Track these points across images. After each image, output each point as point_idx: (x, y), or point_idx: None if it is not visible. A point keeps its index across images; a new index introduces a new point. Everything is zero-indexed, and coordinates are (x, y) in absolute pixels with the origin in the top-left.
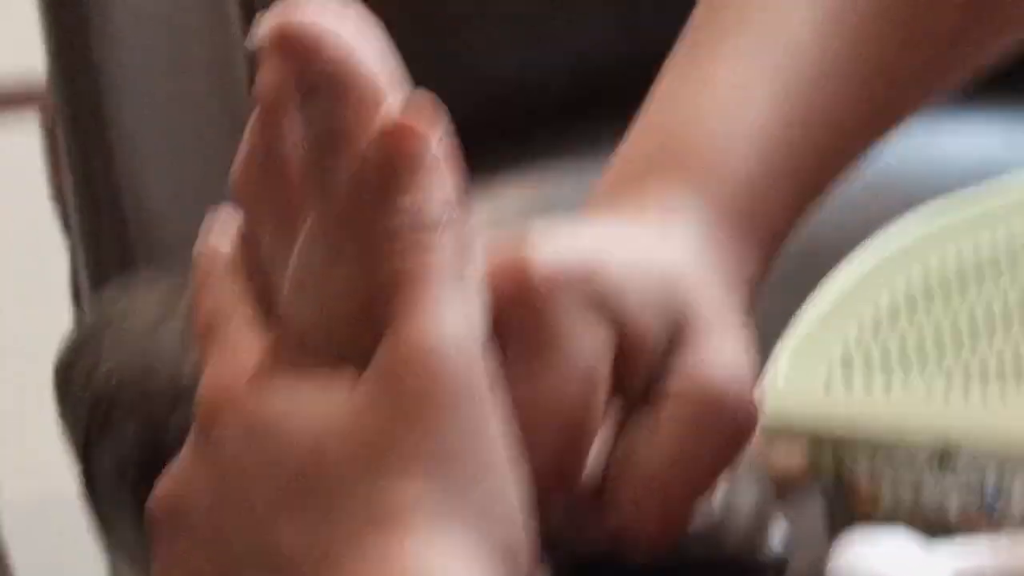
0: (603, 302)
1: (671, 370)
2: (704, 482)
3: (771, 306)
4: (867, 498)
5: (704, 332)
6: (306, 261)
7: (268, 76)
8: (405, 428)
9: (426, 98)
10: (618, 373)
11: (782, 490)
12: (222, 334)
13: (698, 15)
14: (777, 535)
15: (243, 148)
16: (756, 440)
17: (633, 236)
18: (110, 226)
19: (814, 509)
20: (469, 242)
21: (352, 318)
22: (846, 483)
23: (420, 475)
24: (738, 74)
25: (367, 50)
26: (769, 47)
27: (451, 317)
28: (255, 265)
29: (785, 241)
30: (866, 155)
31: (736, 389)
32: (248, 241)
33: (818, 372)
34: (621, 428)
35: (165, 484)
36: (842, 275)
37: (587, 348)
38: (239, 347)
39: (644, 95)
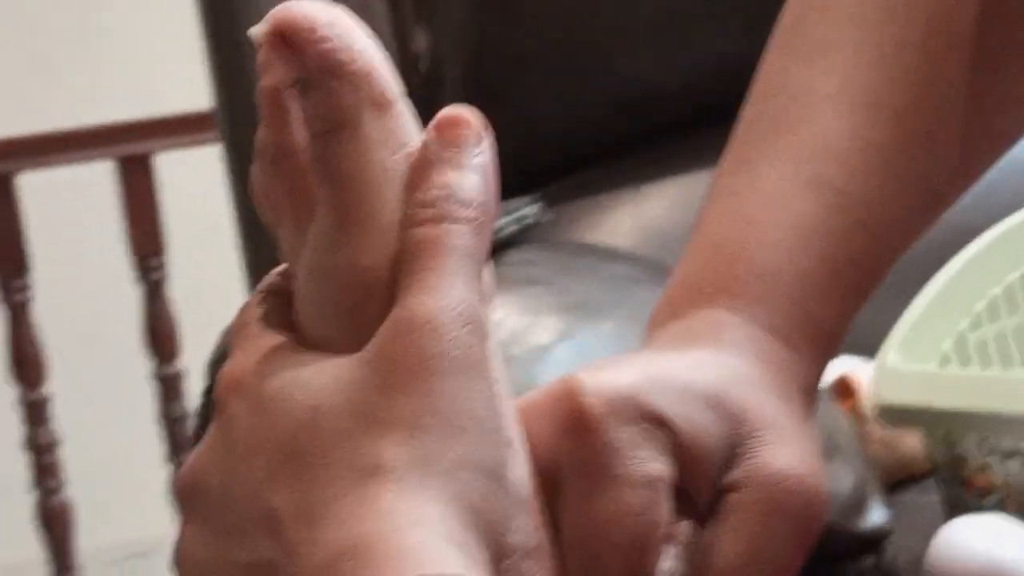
0: (655, 420)
1: (735, 479)
2: (781, 574)
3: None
4: (978, 482)
5: (763, 439)
6: (315, 247)
7: (266, 73)
8: (392, 394)
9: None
10: (682, 490)
11: (898, 475)
12: (241, 337)
13: (748, 112)
14: (877, 513)
15: (256, 152)
16: (871, 425)
17: (684, 359)
18: (269, 240)
19: (930, 495)
20: (488, 246)
21: (359, 301)
22: (959, 469)
23: (400, 438)
24: (785, 178)
25: (362, 36)
26: (812, 147)
27: (458, 290)
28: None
29: (843, 339)
30: (920, 238)
31: (799, 476)
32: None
33: (929, 356)
34: (695, 542)
35: (186, 464)
36: (950, 268)
37: (644, 463)
38: (254, 345)
39: None
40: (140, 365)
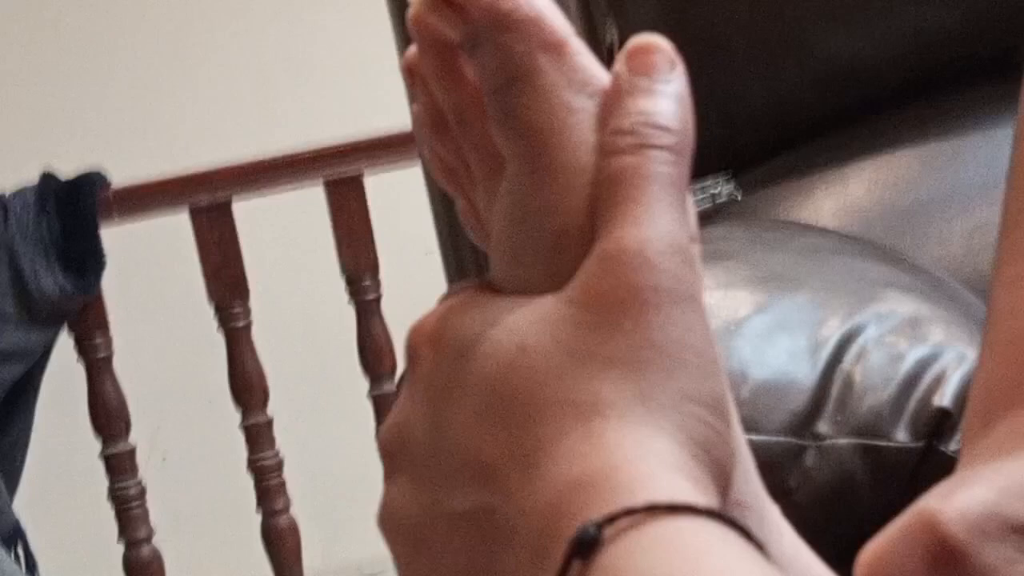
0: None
1: None
2: None
3: None
4: None
5: None
6: (510, 199)
7: (424, 41)
8: (606, 329)
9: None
10: None
11: None
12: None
13: (1010, 205)
14: None
15: (417, 124)
16: None
17: None
18: (470, 256)
19: None
20: (688, 176)
21: (560, 243)
22: None
23: (620, 373)
24: None
25: None
26: None
27: (665, 220)
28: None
29: None
30: None
31: None
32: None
33: None
34: None
35: (387, 422)
36: None
37: None
38: (445, 301)
39: (979, 75)
40: (359, 385)
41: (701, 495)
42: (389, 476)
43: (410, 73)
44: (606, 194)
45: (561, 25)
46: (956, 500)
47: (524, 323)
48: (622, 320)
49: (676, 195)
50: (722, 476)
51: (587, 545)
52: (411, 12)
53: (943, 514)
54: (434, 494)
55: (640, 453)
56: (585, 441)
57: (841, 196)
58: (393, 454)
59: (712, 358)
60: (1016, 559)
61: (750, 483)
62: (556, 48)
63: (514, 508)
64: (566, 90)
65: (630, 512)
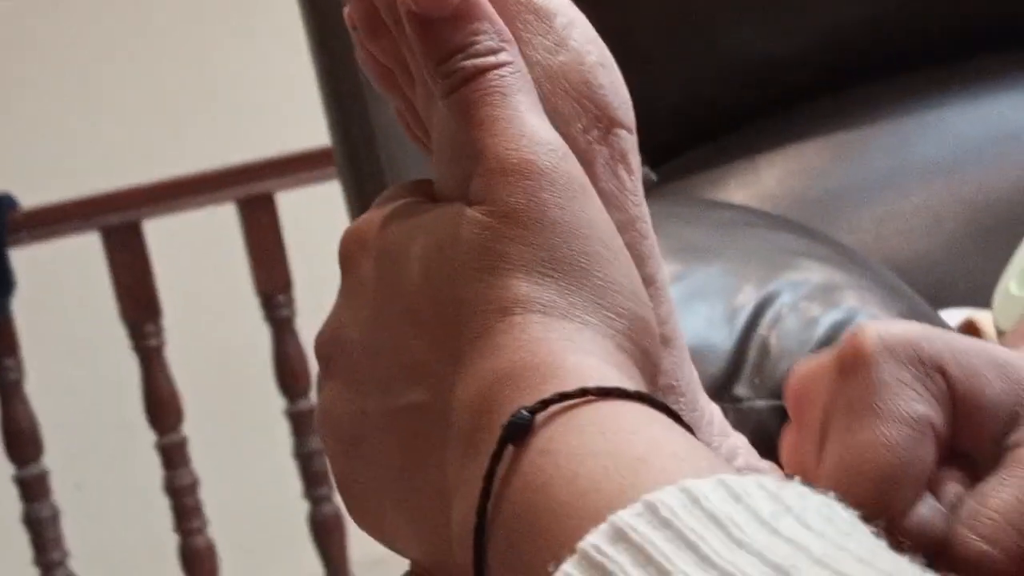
0: (931, 365)
1: (1020, 437)
2: None
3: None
4: None
5: None
6: (428, 121)
7: None
8: (507, 235)
9: None
10: (963, 454)
11: None
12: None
13: None
14: None
15: (352, 26)
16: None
17: (974, 339)
18: None
19: None
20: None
21: (453, 154)
22: None
23: (538, 275)
24: None
25: None
26: None
27: (529, 123)
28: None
29: None
30: None
31: None
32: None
33: None
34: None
35: (324, 325)
36: None
37: (909, 401)
38: (377, 207)
39: (890, 67)
40: (275, 402)
41: (629, 383)
42: (325, 379)
43: None
44: (466, 121)
45: None
46: (887, 325)
47: (444, 229)
48: (527, 224)
49: (527, 98)
50: (649, 363)
51: (519, 430)
52: None
53: (868, 330)
54: (369, 394)
55: (566, 346)
56: (509, 335)
57: (753, 186)
58: (328, 357)
59: (620, 245)
60: (907, 383)
61: (683, 368)
62: None
63: (444, 403)
64: None
65: (562, 397)
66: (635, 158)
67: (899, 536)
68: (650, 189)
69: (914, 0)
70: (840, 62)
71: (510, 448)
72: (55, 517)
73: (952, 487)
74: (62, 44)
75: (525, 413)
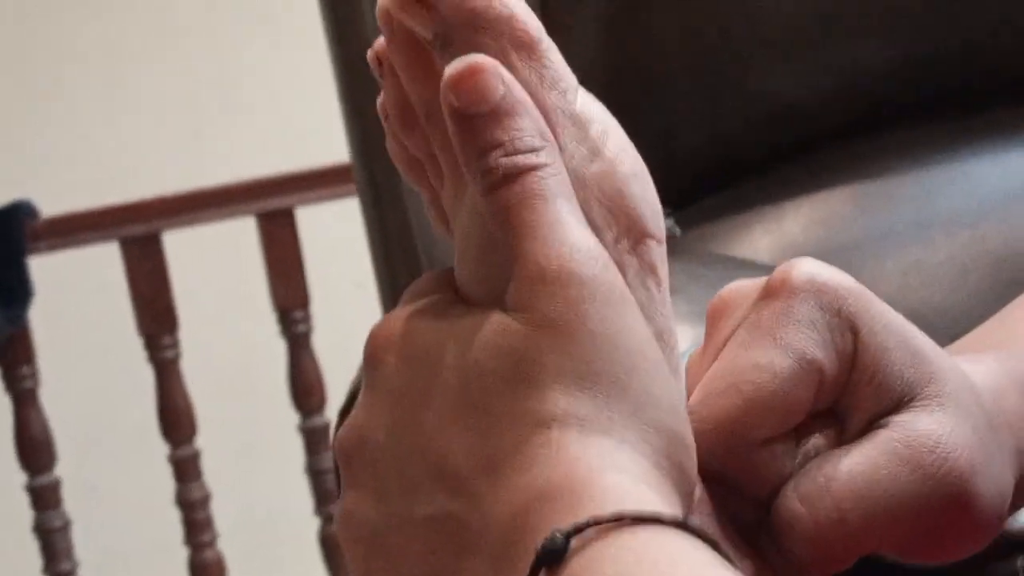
0: (847, 322)
1: (890, 419)
2: (885, 525)
3: None
4: None
5: (941, 403)
6: (471, 203)
7: (394, 37)
8: (545, 346)
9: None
10: (844, 404)
11: None
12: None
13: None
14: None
15: (384, 116)
16: None
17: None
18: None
19: None
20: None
21: (483, 253)
22: None
23: (575, 388)
24: None
25: None
26: None
27: (571, 230)
28: None
29: None
30: None
31: (954, 455)
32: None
33: None
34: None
35: (346, 426)
36: None
37: (810, 343)
38: (403, 306)
39: (915, 115)
40: (289, 418)
41: (666, 505)
42: (347, 480)
43: (377, 63)
44: (506, 224)
45: (534, 24)
46: (824, 269)
47: (481, 337)
48: (566, 335)
49: (567, 203)
50: (686, 480)
51: (554, 555)
52: (380, 5)
53: (804, 266)
54: (395, 500)
55: (604, 464)
56: (546, 450)
57: (777, 233)
58: (352, 459)
59: (658, 357)
60: (816, 327)
61: None
62: (529, 47)
63: (478, 516)
64: (538, 88)
65: (597, 522)
66: (663, 269)
67: (747, 466)
68: (673, 239)
69: (943, 49)
70: (866, 108)
71: (543, 573)
72: (66, 527)
73: (816, 440)
74: (85, 54)
75: (560, 537)
